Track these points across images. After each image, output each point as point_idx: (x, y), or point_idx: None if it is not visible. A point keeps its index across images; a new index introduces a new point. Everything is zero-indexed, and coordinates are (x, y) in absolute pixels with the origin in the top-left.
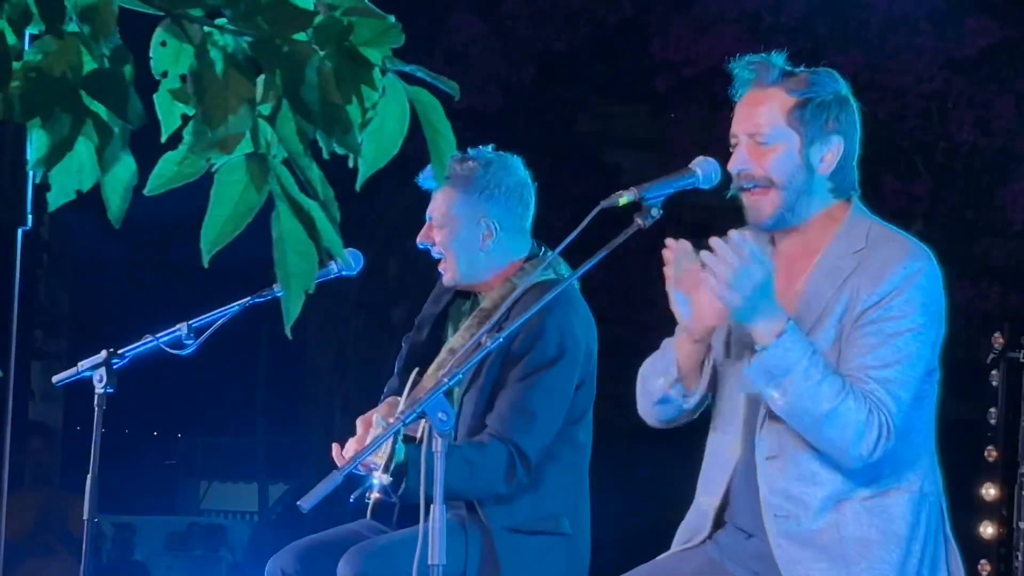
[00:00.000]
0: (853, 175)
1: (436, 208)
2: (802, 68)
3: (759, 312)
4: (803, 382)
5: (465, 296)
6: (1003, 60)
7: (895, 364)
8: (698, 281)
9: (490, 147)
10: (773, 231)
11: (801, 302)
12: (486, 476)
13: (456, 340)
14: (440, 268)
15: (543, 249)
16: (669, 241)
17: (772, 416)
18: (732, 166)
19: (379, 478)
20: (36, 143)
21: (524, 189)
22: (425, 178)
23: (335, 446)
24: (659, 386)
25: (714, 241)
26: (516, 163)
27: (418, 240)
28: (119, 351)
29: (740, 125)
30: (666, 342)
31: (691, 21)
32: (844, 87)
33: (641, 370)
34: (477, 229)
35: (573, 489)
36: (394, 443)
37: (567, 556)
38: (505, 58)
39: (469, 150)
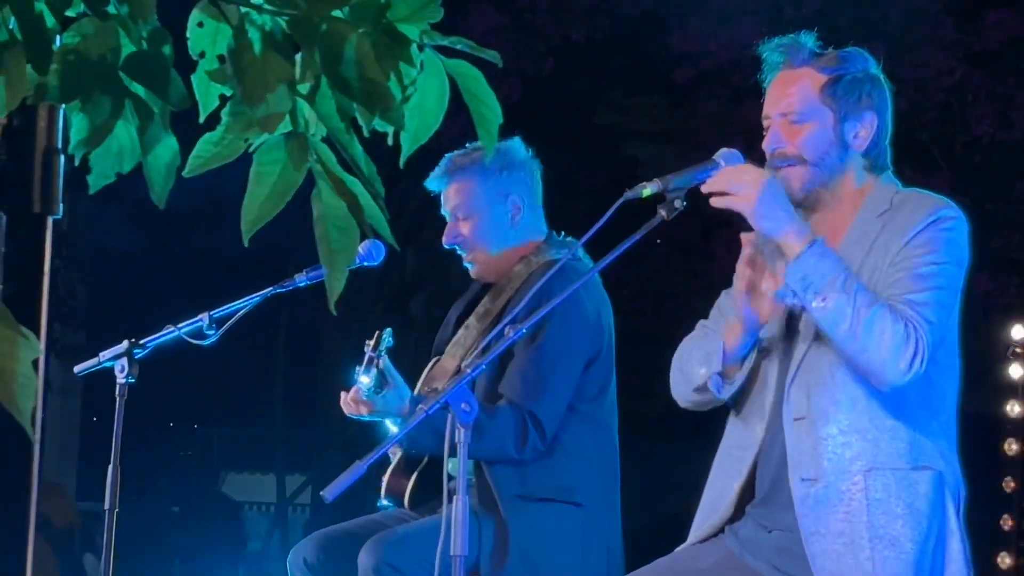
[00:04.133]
0: (887, 153)
1: (457, 203)
2: (831, 49)
3: (780, 216)
4: (841, 291)
5: (489, 289)
6: (1023, 53)
7: (923, 290)
8: (762, 278)
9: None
10: (805, 207)
11: None
12: (495, 438)
13: (471, 319)
14: (468, 262)
15: (562, 233)
16: (745, 236)
17: (800, 379)
18: (766, 145)
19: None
20: (76, 126)
21: (533, 165)
22: (432, 180)
23: (343, 393)
24: (700, 375)
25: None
26: (518, 143)
27: (445, 241)
28: (141, 341)
29: (772, 106)
30: (704, 326)
31: (710, 13)
32: (874, 65)
33: (681, 352)
34: (505, 207)
35: (590, 465)
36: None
37: (582, 528)
38: (524, 50)
39: (467, 144)
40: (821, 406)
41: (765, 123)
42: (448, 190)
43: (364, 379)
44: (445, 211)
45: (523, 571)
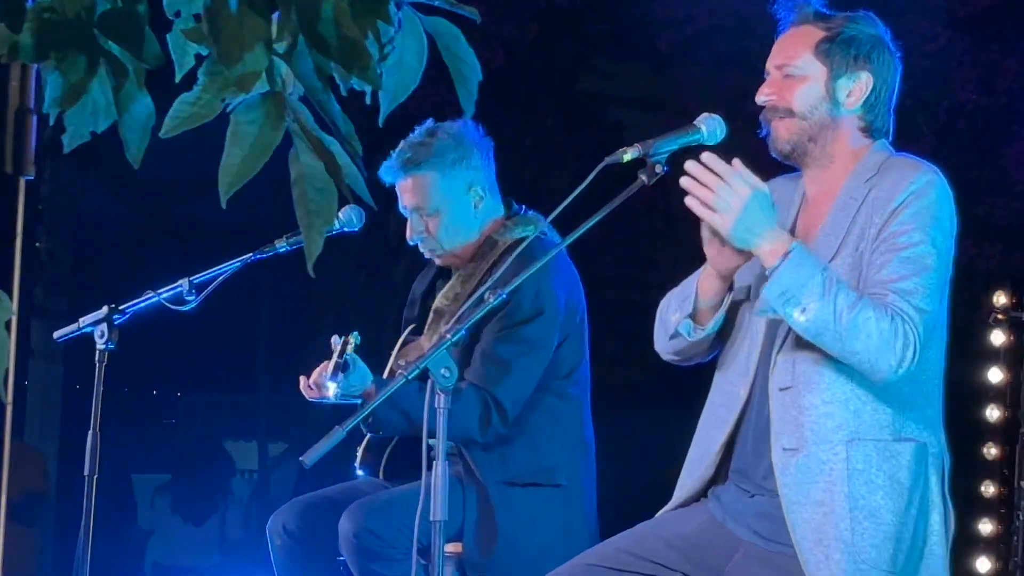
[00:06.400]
0: (887, 118)
1: (418, 199)
2: (846, 13)
3: (756, 231)
4: (821, 297)
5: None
6: (1008, 20)
7: (911, 275)
8: None
9: (428, 121)
10: (794, 159)
11: (822, 236)
12: (458, 419)
13: (440, 300)
14: (429, 254)
15: (523, 208)
16: (689, 165)
17: (787, 347)
18: (758, 96)
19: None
20: (50, 85)
21: (485, 144)
22: (387, 171)
23: (302, 378)
24: (673, 321)
25: (689, 165)
26: (470, 126)
27: (409, 238)
28: (120, 307)
29: (771, 60)
30: (689, 278)
31: None
32: (883, 31)
33: (661, 303)
34: (468, 199)
35: (567, 443)
36: (343, 350)
37: (564, 508)
38: (507, 16)
39: (418, 129)
40: (806, 375)
41: (766, 78)
42: (405, 184)
43: (331, 385)
44: (403, 206)
45: (510, 557)
